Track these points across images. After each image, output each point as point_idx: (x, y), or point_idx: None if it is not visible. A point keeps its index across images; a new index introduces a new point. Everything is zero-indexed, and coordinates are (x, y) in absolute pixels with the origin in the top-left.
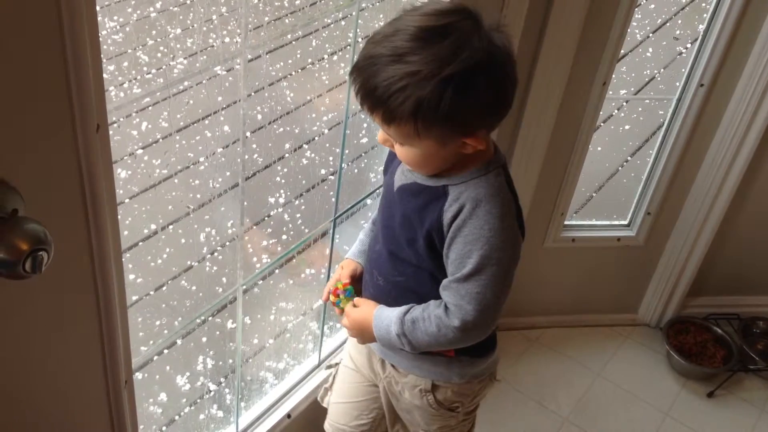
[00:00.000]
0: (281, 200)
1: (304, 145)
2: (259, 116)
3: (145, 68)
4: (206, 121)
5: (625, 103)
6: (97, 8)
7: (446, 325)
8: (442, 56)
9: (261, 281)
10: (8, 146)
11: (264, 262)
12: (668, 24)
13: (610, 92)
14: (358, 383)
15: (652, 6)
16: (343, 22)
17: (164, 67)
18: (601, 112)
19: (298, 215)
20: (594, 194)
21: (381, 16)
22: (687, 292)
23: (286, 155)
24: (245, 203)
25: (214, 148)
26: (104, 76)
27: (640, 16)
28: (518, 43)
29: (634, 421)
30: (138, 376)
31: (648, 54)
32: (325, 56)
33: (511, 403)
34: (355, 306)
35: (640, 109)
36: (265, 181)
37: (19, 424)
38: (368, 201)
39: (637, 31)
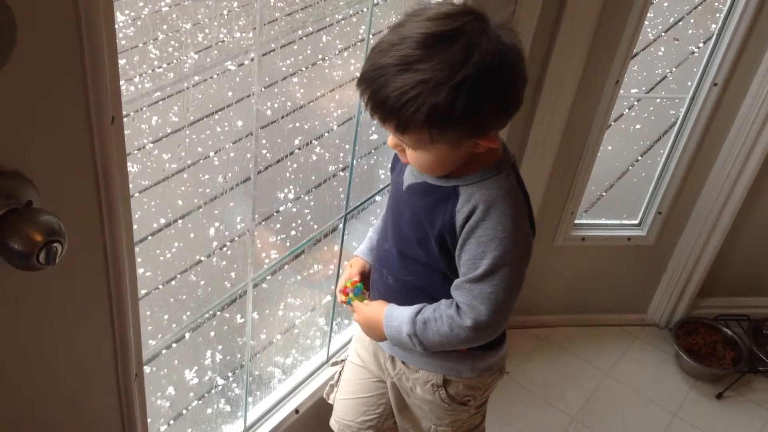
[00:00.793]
0: (290, 196)
1: (314, 141)
2: (269, 112)
3: (156, 62)
4: (216, 116)
5: (636, 102)
6: None
7: (459, 325)
8: (453, 62)
9: (269, 276)
10: (23, 138)
11: (273, 258)
12: (680, 23)
13: (622, 91)
14: (365, 379)
15: (666, 4)
16: (354, 19)
17: (175, 61)
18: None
19: (307, 211)
20: (604, 193)
21: (392, 12)
22: (697, 293)
23: (296, 151)
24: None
25: (224, 143)
26: None
27: (652, 15)
28: (531, 41)
29: (643, 422)
30: (147, 369)
31: (660, 53)
32: (336, 52)
33: (520, 402)
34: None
35: (651, 108)
36: (275, 177)
37: (31, 415)
38: (377, 198)
39: (649, 30)
